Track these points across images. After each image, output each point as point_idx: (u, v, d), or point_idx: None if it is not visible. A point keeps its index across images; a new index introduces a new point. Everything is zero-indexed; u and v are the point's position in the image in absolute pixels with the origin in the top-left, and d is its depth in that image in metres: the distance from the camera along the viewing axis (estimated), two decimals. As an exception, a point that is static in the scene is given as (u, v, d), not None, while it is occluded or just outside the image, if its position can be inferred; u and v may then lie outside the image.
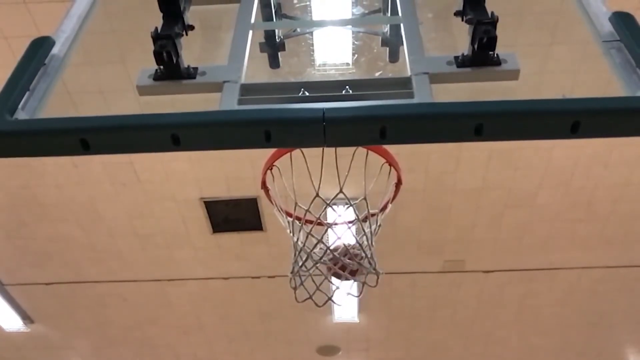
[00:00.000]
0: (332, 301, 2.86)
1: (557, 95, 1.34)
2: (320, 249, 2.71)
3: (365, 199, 2.59)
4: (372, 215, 2.71)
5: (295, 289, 2.70)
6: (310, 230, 2.65)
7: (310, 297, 2.74)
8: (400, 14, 1.88)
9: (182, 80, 1.61)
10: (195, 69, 1.63)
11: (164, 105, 1.50)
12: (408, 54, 1.65)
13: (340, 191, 2.55)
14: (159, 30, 1.63)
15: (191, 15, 1.86)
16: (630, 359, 7.41)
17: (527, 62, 1.65)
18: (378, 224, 2.73)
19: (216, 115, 1.43)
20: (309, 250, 2.65)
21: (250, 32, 1.82)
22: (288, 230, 2.71)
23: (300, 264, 2.66)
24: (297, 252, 2.68)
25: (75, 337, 6.88)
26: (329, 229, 2.75)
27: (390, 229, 5.16)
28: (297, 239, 2.66)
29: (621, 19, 1.52)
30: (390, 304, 6.32)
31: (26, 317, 6.45)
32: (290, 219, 2.70)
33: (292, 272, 2.68)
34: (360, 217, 2.71)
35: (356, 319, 6.58)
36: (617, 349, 7.30)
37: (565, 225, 5.28)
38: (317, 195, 2.54)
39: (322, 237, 2.68)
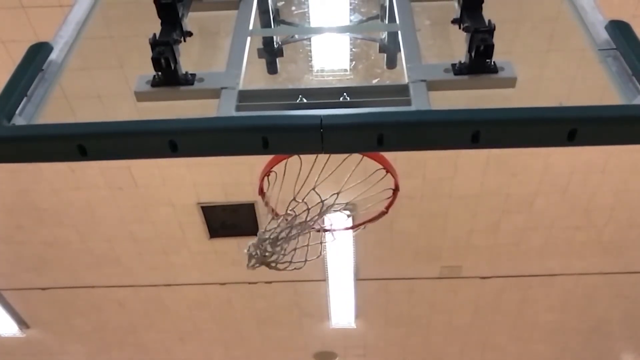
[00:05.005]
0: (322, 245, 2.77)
1: (554, 103, 1.35)
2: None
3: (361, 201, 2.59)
4: (363, 224, 2.72)
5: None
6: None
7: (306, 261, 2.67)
8: (397, 21, 1.89)
9: (180, 87, 1.62)
10: (193, 75, 1.63)
11: (162, 112, 1.50)
12: (405, 61, 1.66)
13: (333, 196, 2.56)
14: (157, 37, 1.63)
15: (189, 21, 1.86)
16: (627, 366, 7.41)
17: (524, 70, 1.65)
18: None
19: (214, 121, 1.43)
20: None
21: (249, 38, 1.82)
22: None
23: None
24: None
25: (71, 343, 6.84)
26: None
27: (387, 235, 5.17)
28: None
29: (617, 28, 1.53)
30: (387, 310, 6.31)
31: (22, 322, 6.41)
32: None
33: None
34: (361, 223, 2.72)
35: (353, 325, 6.56)
36: (615, 355, 7.29)
37: (562, 232, 5.28)
38: (302, 202, 2.54)
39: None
